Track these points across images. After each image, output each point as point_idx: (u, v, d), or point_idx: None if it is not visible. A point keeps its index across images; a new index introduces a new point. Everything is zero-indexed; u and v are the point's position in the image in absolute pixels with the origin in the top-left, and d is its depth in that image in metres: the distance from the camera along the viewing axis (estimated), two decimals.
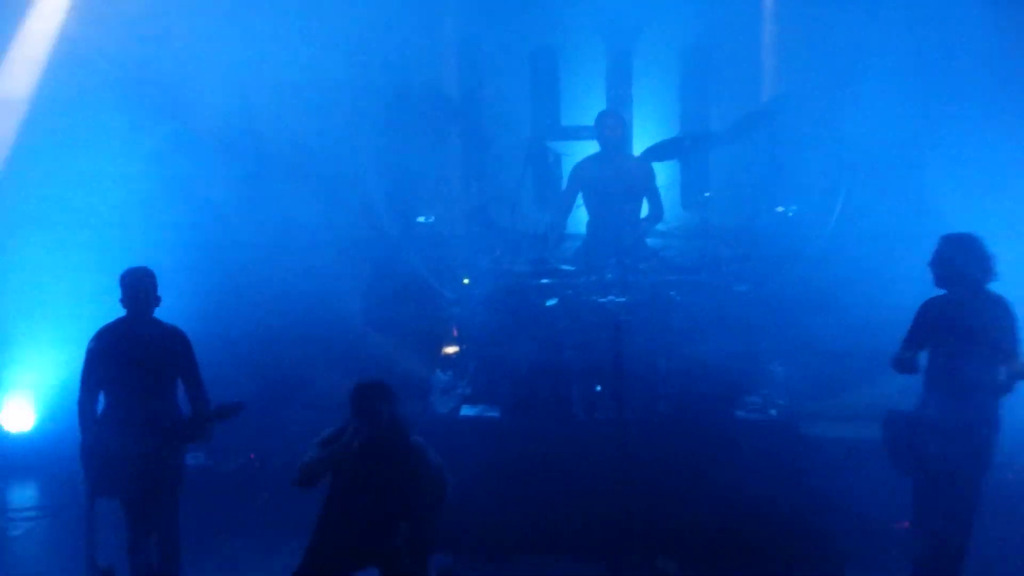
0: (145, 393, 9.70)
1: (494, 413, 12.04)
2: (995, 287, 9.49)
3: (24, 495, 12.80)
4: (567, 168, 13.43)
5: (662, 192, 13.14)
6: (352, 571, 9.17)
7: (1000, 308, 9.37)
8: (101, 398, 9.76)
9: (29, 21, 13.37)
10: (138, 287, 9.76)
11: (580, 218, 13.25)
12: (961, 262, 9.44)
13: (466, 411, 12.16)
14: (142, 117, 13.33)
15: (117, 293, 9.80)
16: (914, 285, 12.50)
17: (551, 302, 12.25)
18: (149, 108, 13.36)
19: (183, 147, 13.52)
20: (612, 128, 12.94)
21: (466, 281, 13.09)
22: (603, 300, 12.05)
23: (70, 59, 13.44)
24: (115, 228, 12.98)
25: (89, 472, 9.68)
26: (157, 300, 9.85)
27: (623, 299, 12.01)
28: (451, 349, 12.94)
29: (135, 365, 9.69)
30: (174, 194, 13.30)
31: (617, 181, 12.90)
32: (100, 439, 9.66)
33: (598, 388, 11.73)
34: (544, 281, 12.41)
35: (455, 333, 13.04)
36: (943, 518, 9.26)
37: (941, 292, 9.55)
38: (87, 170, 13.21)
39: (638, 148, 13.39)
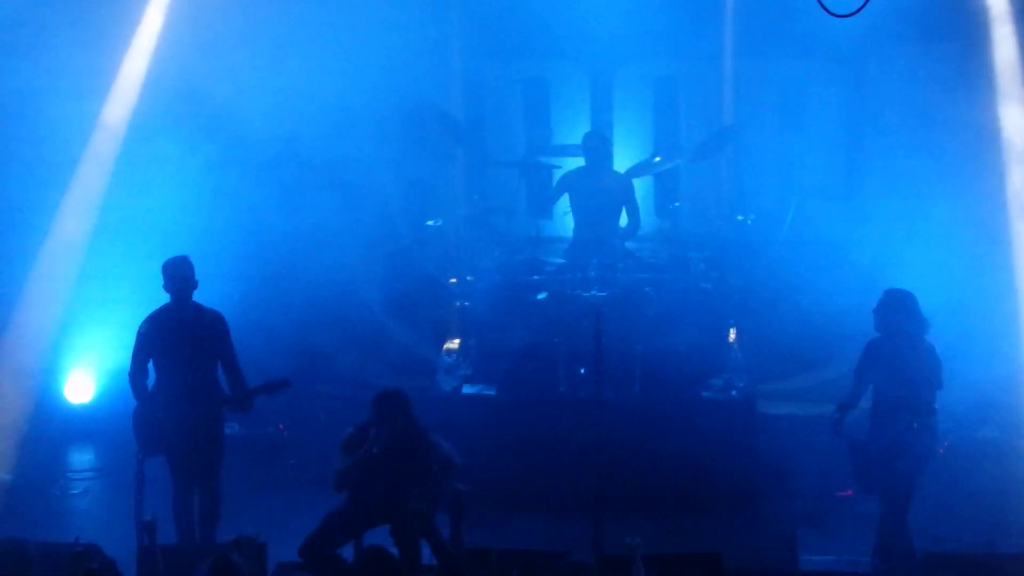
0: (188, 367, 9.41)
1: (491, 391, 11.78)
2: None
3: (83, 459, 12.53)
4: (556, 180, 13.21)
5: (639, 203, 12.84)
6: (366, 530, 8.87)
7: (927, 358, 9.35)
8: (152, 372, 9.49)
9: (127, 59, 13.01)
10: (177, 274, 9.44)
11: (567, 223, 12.95)
12: (899, 319, 9.33)
13: (467, 389, 11.91)
14: (198, 137, 13.01)
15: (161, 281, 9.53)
16: (854, 283, 12.43)
17: (541, 295, 12.03)
18: (203, 129, 13.03)
19: (231, 161, 13.16)
20: (596, 147, 12.66)
21: (454, 281, 12.75)
22: (586, 294, 11.81)
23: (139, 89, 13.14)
24: (172, 228, 12.56)
25: (139, 434, 9.44)
26: (195, 284, 9.50)
27: (604, 293, 11.77)
28: (454, 341, 12.56)
29: (178, 343, 9.41)
30: (224, 201, 12.99)
31: (600, 192, 12.61)
32: (150, 406, 9.43)
33: (582, 371, 11.42)
34: (535, 278, 12.19)
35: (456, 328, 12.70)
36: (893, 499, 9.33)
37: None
38: (148, 181, 12.91)
39: (618, 163, 13.06)
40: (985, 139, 12.88)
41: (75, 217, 12.90)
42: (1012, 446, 12.16)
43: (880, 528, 9.37)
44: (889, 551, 9.27)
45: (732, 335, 12.23)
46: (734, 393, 11.52)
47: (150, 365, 9.49)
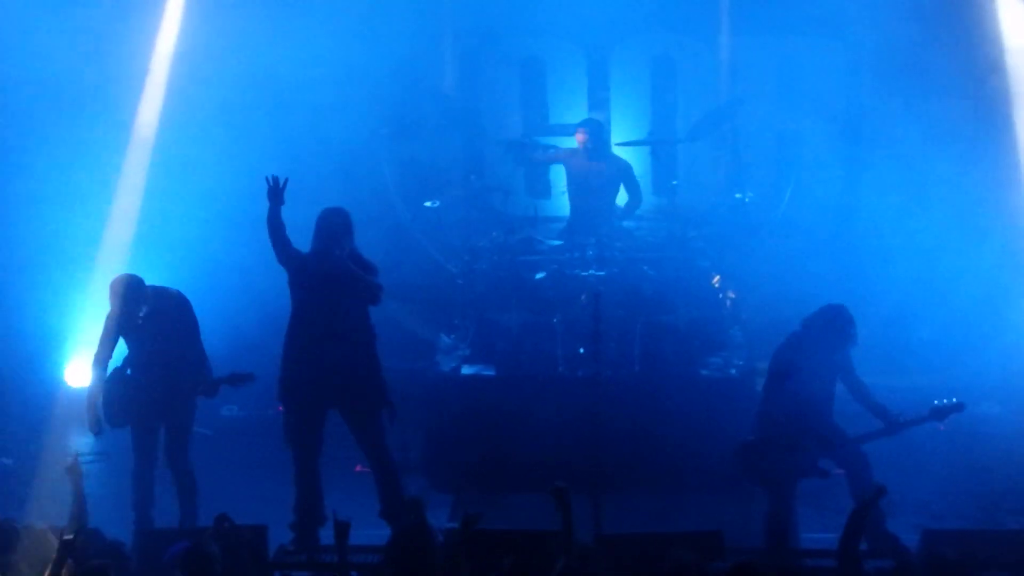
0: (153, 346, 9.55)
1: (490, 371, 11.73)
2: None
3: (84, 442, 12.20)
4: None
5: (639, 181, 12.86)
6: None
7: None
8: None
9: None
10: (127, 295, 9.57)
11: (564, 203, 12.95)
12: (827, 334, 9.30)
13: (466, 370, 11.84)
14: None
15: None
16: (851, 257, 12.41)
17: (540, 275, 12.01)
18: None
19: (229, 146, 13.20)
20: (592, 134, 12.62)
21: (452, 261, 12.73)
22: (584, 273, 11.81)
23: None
24: (171, 215, 12.96)
25: (105, 405, 9.70)
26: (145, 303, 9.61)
27: (602, 272, 11.76)
28: (453, 321, 12.52)
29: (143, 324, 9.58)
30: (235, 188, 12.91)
31: (598, 175, 12.61)
32: (117, 378, 9.66)
33: (580, 350, 11.40)
34: (533, 257, 12.21)
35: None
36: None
37: None
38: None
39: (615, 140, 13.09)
40: (986, 105, 12.93)
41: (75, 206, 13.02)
42: (1013, 421, 12.17)
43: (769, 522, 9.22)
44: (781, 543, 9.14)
45: (730, 312, 12.19)
46: (733, 371, 11.45)
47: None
